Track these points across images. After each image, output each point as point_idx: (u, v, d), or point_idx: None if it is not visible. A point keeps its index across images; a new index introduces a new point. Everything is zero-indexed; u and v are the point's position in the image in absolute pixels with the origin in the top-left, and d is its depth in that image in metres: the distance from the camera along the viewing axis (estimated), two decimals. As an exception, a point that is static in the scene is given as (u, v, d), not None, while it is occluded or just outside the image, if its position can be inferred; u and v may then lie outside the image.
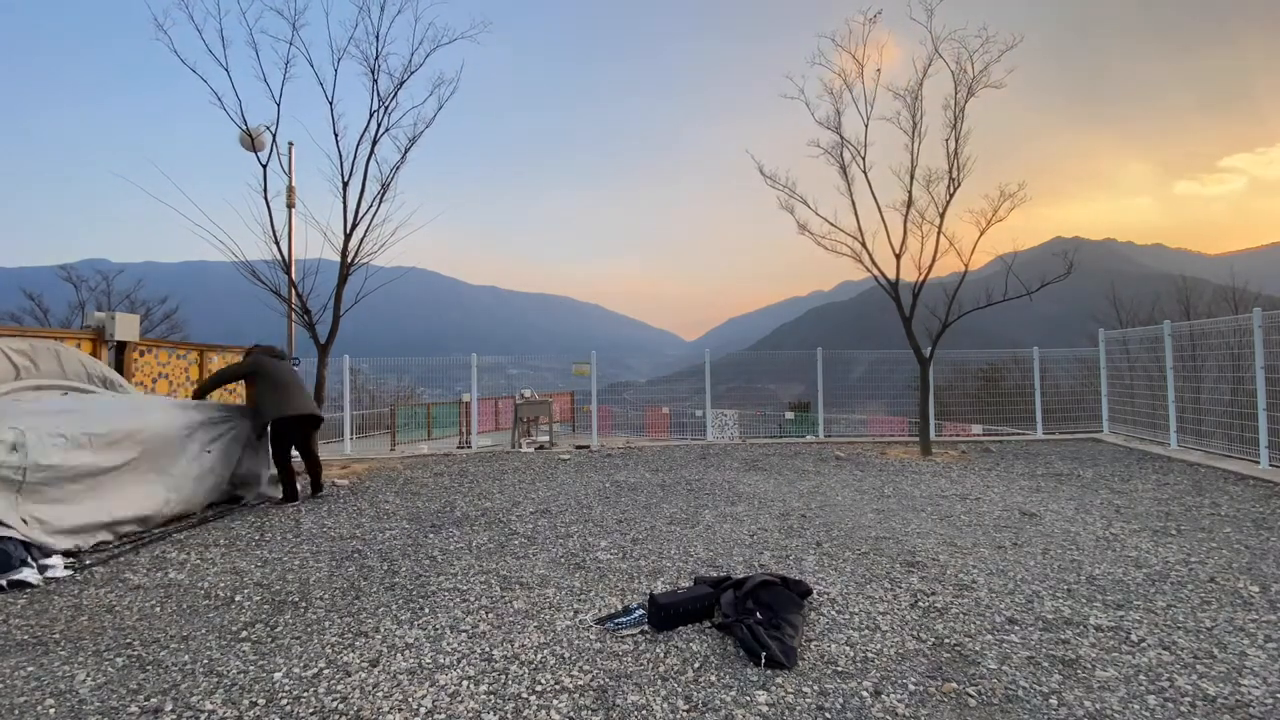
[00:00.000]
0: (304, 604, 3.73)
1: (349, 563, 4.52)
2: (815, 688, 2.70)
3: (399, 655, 3.06)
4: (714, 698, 2.64)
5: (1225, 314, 14.93)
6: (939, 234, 9.14)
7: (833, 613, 3.48)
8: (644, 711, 2.55)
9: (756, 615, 3.19)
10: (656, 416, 14.48)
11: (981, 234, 9.20)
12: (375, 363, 17.37)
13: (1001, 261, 9.60)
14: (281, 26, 8.30)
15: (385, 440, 14.78)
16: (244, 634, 3.34)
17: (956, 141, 8.96)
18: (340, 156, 8.54)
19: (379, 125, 8.59)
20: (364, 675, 2.87)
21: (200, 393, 6.97)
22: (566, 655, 3.03)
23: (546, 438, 11.97)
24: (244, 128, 8.52)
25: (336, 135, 8.52)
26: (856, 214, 9.39)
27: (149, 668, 2.98)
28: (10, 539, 4.31)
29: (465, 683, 2.79)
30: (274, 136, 8.72)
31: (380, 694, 2.70)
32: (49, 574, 4.26)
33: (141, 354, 7.75)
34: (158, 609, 3.70)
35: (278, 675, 2.88)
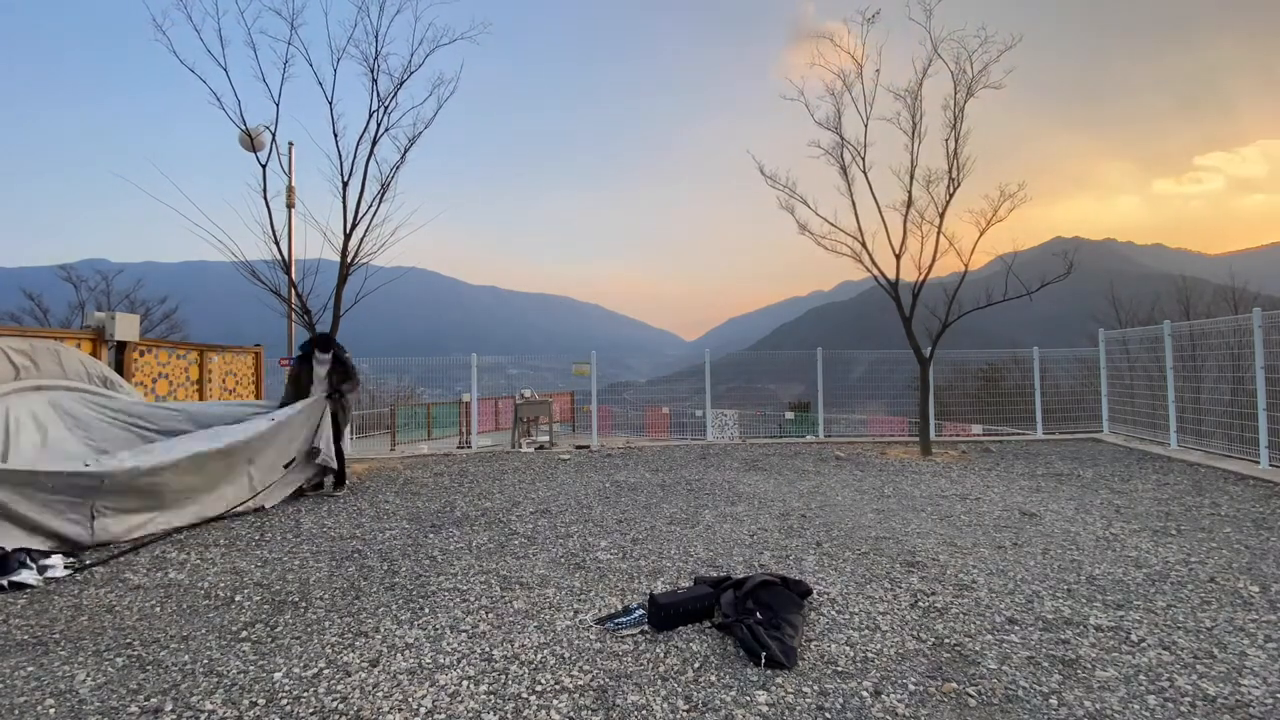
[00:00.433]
0: (304, 604, 3.73)
1: (349, 563, 4.52)
2: (815, 688, 2.70)
3: (399, 655, 3.06)
4: (714, 698, 2.64)
5: (1225, 314, 14.93)
6: (939, 234, 9.16)
7: (833, 613, 3.48)
8: (644, 711, 2.55)
9: (756, 615, 3.19)
10: (656, 416, 14.48)
11: (981, 234, 9.21)
12: (375, 363, 17.37)
13: (1001, 261, 9.60)
14: (280, 26, 8.30)
15: (385, 440, 14.78)
16: (244, 634, 3.34)
17: (956, 141, 8.97)
18: (340, 156, 8.54)
19: (379, 125, 8.59)
20: (364, 675, 2.87)
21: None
22: (566, 655, 3.03)
23: (546, 438, 11.97)
24: (243, 128, 8.52)
25: (336, 135, 8.52)
26: (856, 214, 9.40)
27: (149, 668, 2.98)
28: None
29: (465, 683, 2.79)
30: (273, 136, 8.72)
31: (380, 694, 2.70)
32: (48, 574, 4.26)
33: (141, 354, 7.75)
34: (158, 609, 3.70)
35: (278, 675, 2.88)
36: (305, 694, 2.71)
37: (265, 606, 3.71)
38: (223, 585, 4.09)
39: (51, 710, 2.62)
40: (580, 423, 16.48)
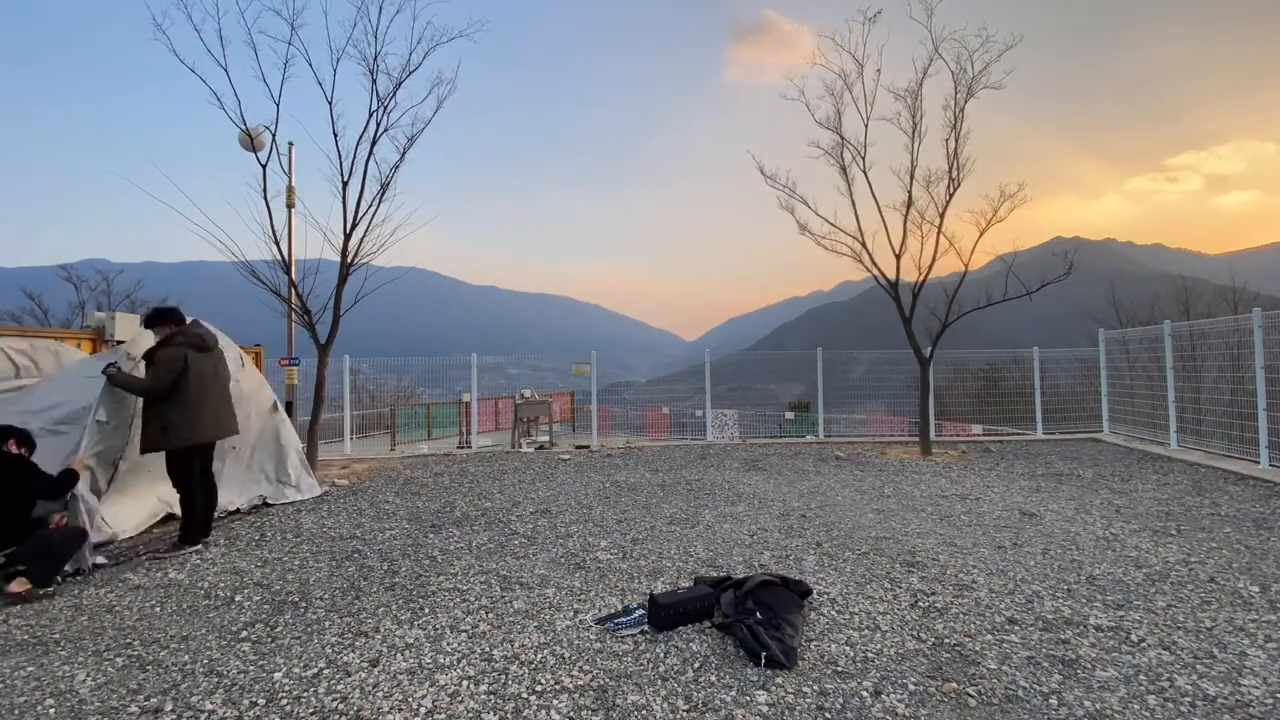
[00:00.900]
0: (304, 604, 3.73)
1: (349, 563, 4.52)
2: (815, 688, 2.70)
3: (399, 655, 3.06)
4: (714, 698, 2.64)
5: (1225, 314, 14.93)
6: (939, 234, 9.15)
7: (833, 613, 3.48)
8: (644, 711, 2.55)
9: (756, 615, 3.19)
10: (656, 416, 14.47)
11: (981, 234, 9.21)
12: (375, 363, 17.36)
13: (1001, 261, 9.60)
14: (280, 26, 8.29)
15: (385, 440, 14.78)
16: (244, 634, 3.34)
17: (956, 141, 8.97)
18: (340, 156, 8.53)
19: (378, 125, 8.58)
20: (364, 675, 2.87)
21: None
22: (566, 655, 3.03)
23: (546, 438, 11.97)
24: (243, 128, 8.52)
25: (336, 135, 8.51)
26: (856, 214, 9.40)
27: (149, 668, 2.98)
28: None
29: (465, 683, 2.79)
30: (273, 136, 8.72)
31: (380, 694, 2.70)
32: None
33: (141, 354, 7.74)
34: (158, 609, 3.70)
35: (278, 675, 2.88)
36: (305, 694, 2.71)
37: (265, 606, 3.71)
38: (223, 585, 4.09)
39: (51, 710, 2.62)
40: (580, 423, 16.48)
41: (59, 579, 4.15)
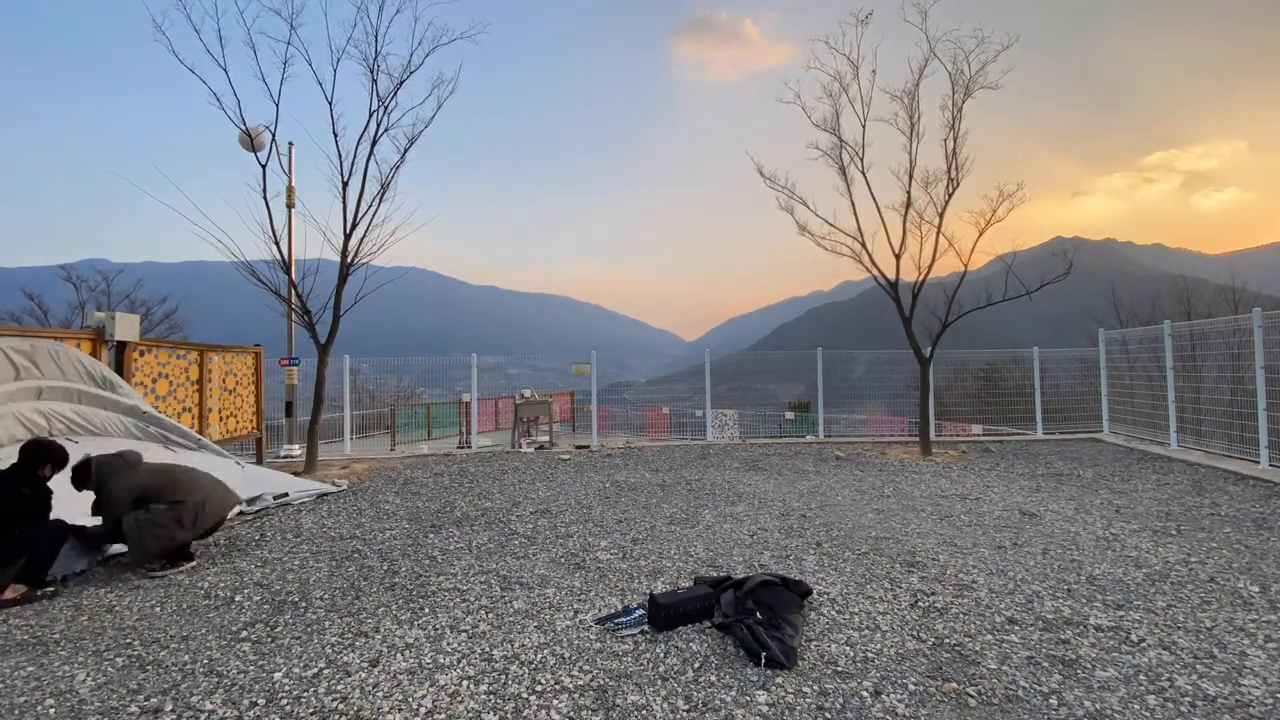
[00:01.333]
0: (304, 604, 3.73)
1: (349, 563, 4.52)
2: (815, 688, 2.70)
3: (399, 655, 3.06)
4: (714, 698, 2.64)
5: (1225, 314, 14.93)
6: (938, 234, 9.16)
7: (833, 613, 3.48)
8: (644, 711, 2.55)
9: (756, 615, 3.19)
10: (656, 416, 14.47)
11: (981, 234, 9.21)
12: (375, 363, 17.36)
13: (1001, 261, 9.60)
14: (280, 26, 8.32)
15: (385, 440, 14.78)
16: (244, 634, 3.34)
17: (955, 141, 8.98)
18: (340, 156, 8.55)
19: (378, 125, 8.60)
20: (364, 675, 2.87)
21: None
22: (566, 655, 3.03)
23: (546, 438, 11.97)
24: (243, 128, 8.53)
25: (336, 135, 8.52)
26: (856, 214, 9.41)
27: (149, 668, 2.98)
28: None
29: (465, 683, 2.79)
30: (273, 137, 8.73)
31: (380, 694, 2.70)
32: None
33: (141, 354, 7.75)
34: (158, 609, 3.70)
35: (278, 675, 2.88)
36: (305, 694, 2.71)
37: (265, 606, 3.71)
38: (223, 585, 4.09)
39: (51, 710, 2.62)
40: (580, 423, 16.48)
41: (57, 578, 4.15)
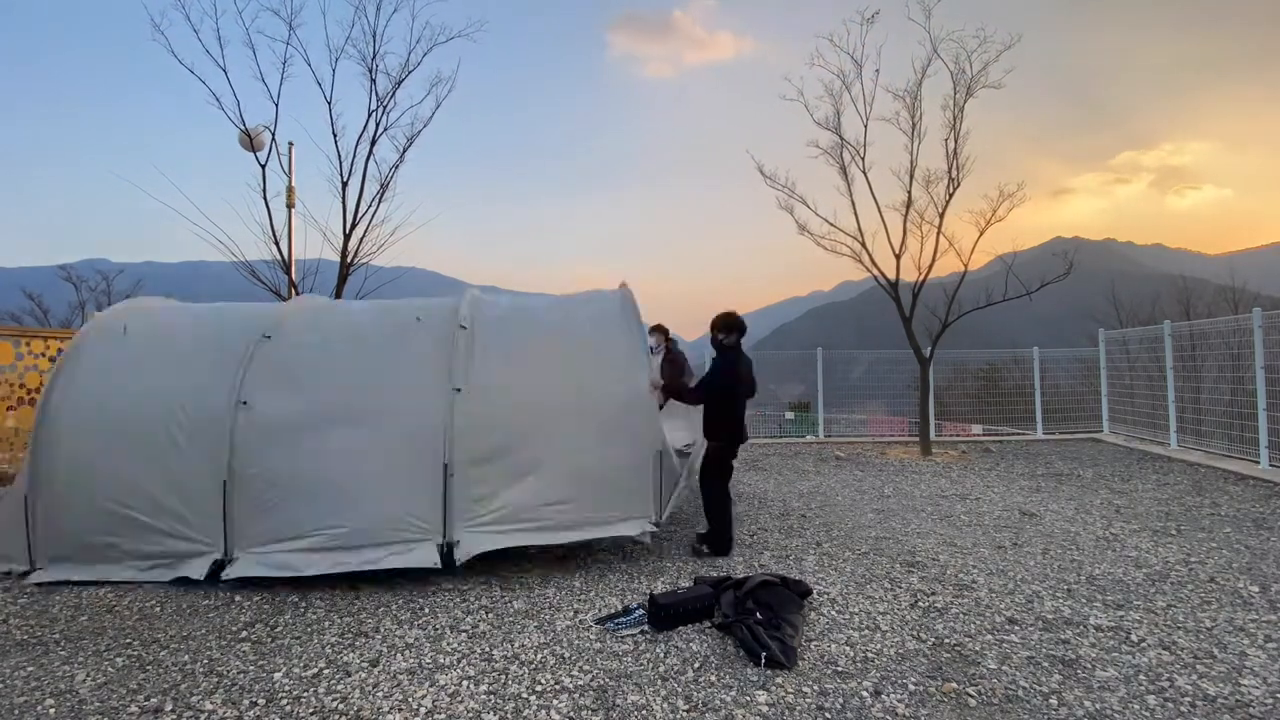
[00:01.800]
0: (304, 604, 3.73)
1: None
2: (815, 688, 2.70)
3: (399, 655, 3.06)
4: (714, 698, 2.64)
5: (1225, 314, 14.92)
6: (939, 234, 9.15)
7: (833, 613, 3.48)
8: (644, 711, 2.55)
9: (756, 615, 3.19)
10: (656, 416, 14.42)
11: (981, 234, 9.20)
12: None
13: (1001, 261, 9.59)
14: (278, 27, 8.34)
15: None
16: (244, 634, 3.34)
17: (956, 141, 8.95)
18: (339, 156, 8.56)
19: (377, 125, 8.62)
20: (364, 675, 2.87)
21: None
22: (566, 655, 3.03)
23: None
24: (242, 128, 8.53)
25: (335, 135, 8.54)
26: (856, 214, 9.36)
27: (149, 668, 2.98)
28: None
29: (465, 683, 2.79)
30: (273, 137, 8.74)
31: (380, 694, 2.70)
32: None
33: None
34: (158, 609, 3.70)
35: (278, 675, 2.88)
36: (305, 694, 2.71)
37: (265, 606, 3.71)
38: (223, 585, 4.08)
39: (51, 710, 2.62)
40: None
41: None
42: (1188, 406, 8.97)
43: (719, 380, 4.55)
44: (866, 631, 3.25)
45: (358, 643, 3.21)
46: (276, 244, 8.58)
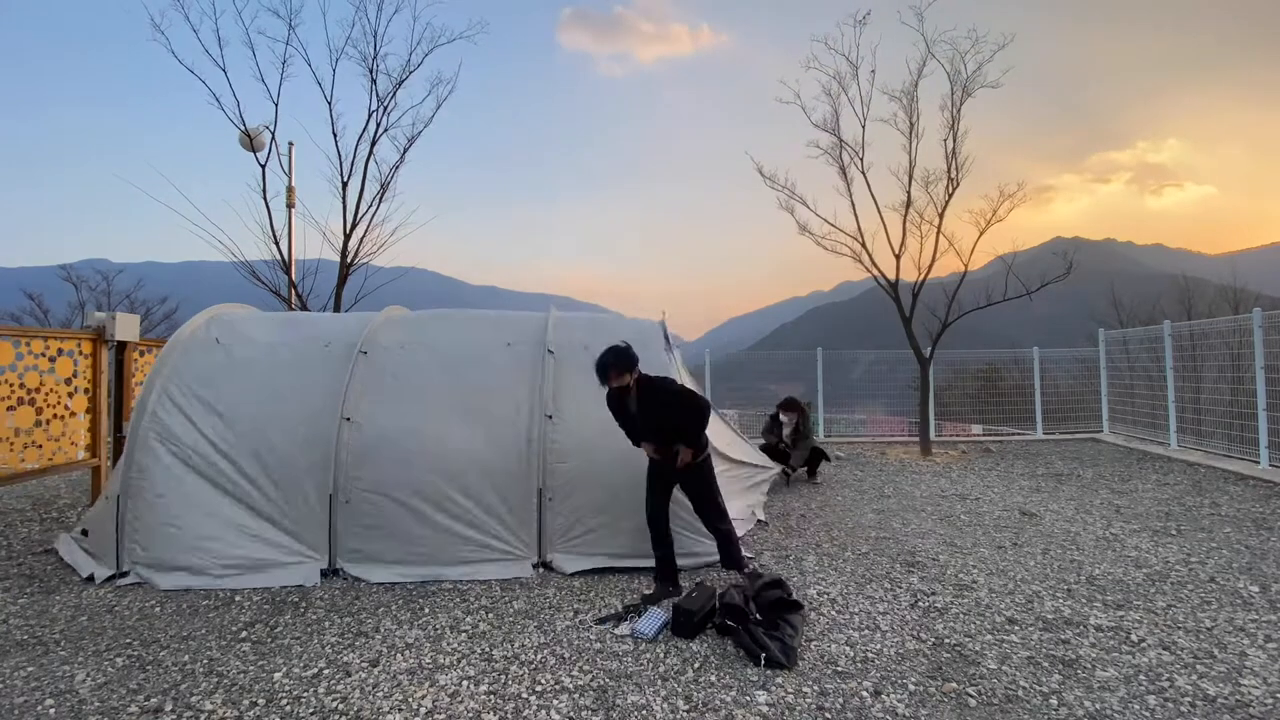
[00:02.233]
0: (304, 604, 3.73)
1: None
2: (815, 688, 2.70)
3: (399, 655, 3.06)
4: (714, 698, 2.64)
5: (1225, 314, 14.92)
6: (938, 234, 9.15)
7: (833, 613, 3.48)
8: (644, 711, 2.55)
9: (756, 616, 3.18)
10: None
11: (981, 234, 9.21)
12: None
13: (1001, 261, 9.59)
14: (278, 27, 8.35)
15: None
16: (244, 634, 3.33)
17: (954, 141, 8.95)
18: (339, 156, 8.56)
19: (378, 125, 8.62)
20: (364, 675, 2.87)
21: None
22: (567, 655, 3.03)
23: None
24: (242, 128, 8.53)
25: (335, 135, 8.54)
26: (856, 214, 9.42)
27: (149, 668, 2.98)
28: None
29: (465, 683, 2.79)
30: (273, 137, 8.74)
31: (380, 694, 2.70)
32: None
33: (141, 354, 7.75)
34: (158, 609, 3.70)
35: (278, 675, 2.88)
36: (305, 694, 2.71)
37: (265, 606, 3.71)
38: (222, 585, 4.08)
39: (51, 710, 2.62)
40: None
41: None
42: (1188, 406, 8.97)
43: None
44: (866, 631, 3.25)
45: (358, 643, 3.21)
46: (276, 244, 8.59)
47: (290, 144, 11.01)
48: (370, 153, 8.59)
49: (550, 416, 4.45)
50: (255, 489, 4.28)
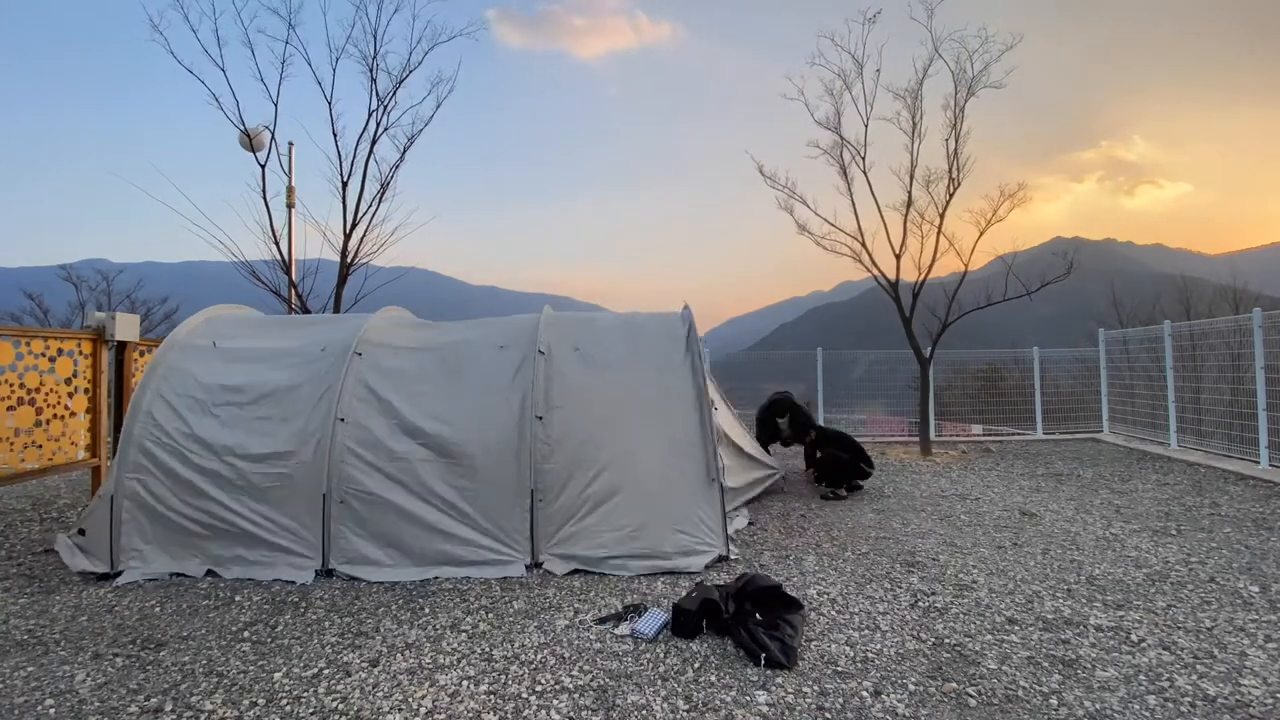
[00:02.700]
0: (304, 604, 3.73)
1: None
2: (815, 688, 2.70)
3: (399, 655, 3.06)
4: (714, 698, 2.64)
5: (1225, 314, 14.91)
6: (939, 234, 9.15)
7: (833, 613, 3.48)
8: (644, 711, 2.55)
9: (756, 616, 3.18)
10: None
11: (981, 234, 9.20)
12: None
13: (1001, 261, 9.59)
14: (278, 26, 8.34)
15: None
16: (244, 634, 3.34)
17: (956, 141, 8.96)
18: (339, 156, 8.56)
19: (378, 124, 8.61)
20: (364, 675, 2.87)
21: None
22: (567, 655, 3.03)
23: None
24: (242, 128, 8.53)
25: (335, 135, 8.53)
26: (856, 214, 9.41)
27: (149, 668, 2.98)
28: None
29: (465, 683, 2.79)
30: (273, 136, 8.74)
31: (380, 694, 2.70)
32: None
33: (141, 354, 7.75)
34: (158, 609, 3.70)
35: (278, 675, 2.88)
36: (305, 694, 2.71)
37: (265, 606, 3.71)
38: (222, 585, 4.08)
39: (51, 710, 2.62)
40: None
41: None
42: (1188, 406, 8.97)
43: None
44: (866, 631, 3.25)
45: (358, 643, 3.21)
46: (276, 244, 8.58)
47: (290, 144, 11.00)
48: (370, 152, 8.59)
49: (540, 418, 4.46)
50: (249, 488, 4.29)
